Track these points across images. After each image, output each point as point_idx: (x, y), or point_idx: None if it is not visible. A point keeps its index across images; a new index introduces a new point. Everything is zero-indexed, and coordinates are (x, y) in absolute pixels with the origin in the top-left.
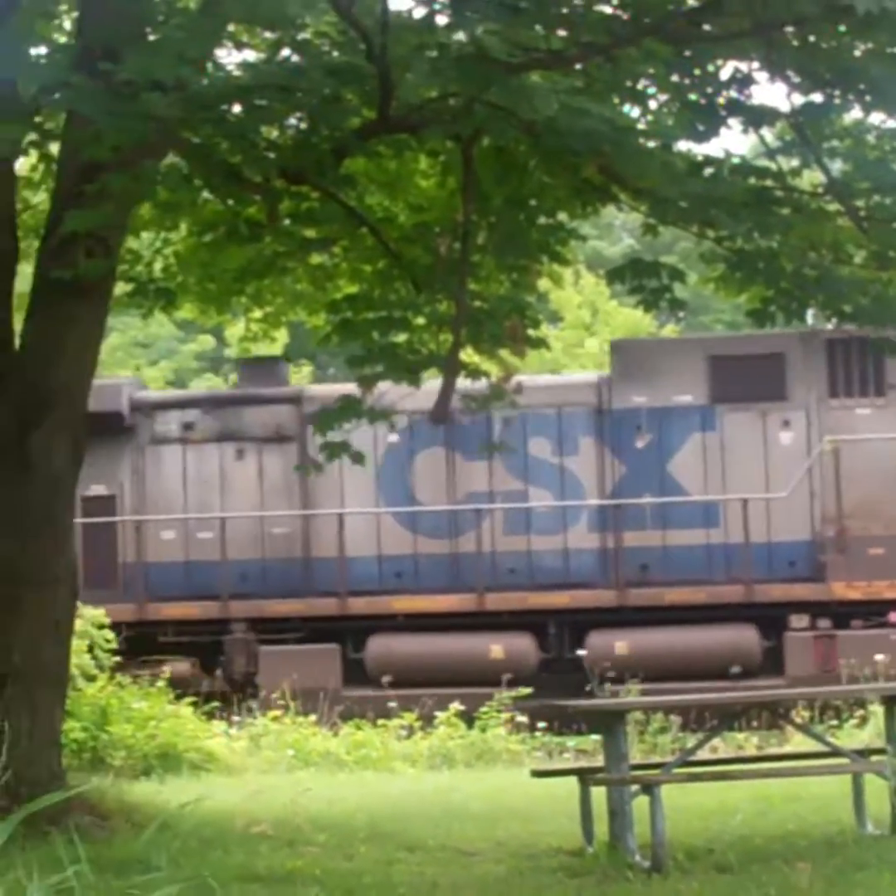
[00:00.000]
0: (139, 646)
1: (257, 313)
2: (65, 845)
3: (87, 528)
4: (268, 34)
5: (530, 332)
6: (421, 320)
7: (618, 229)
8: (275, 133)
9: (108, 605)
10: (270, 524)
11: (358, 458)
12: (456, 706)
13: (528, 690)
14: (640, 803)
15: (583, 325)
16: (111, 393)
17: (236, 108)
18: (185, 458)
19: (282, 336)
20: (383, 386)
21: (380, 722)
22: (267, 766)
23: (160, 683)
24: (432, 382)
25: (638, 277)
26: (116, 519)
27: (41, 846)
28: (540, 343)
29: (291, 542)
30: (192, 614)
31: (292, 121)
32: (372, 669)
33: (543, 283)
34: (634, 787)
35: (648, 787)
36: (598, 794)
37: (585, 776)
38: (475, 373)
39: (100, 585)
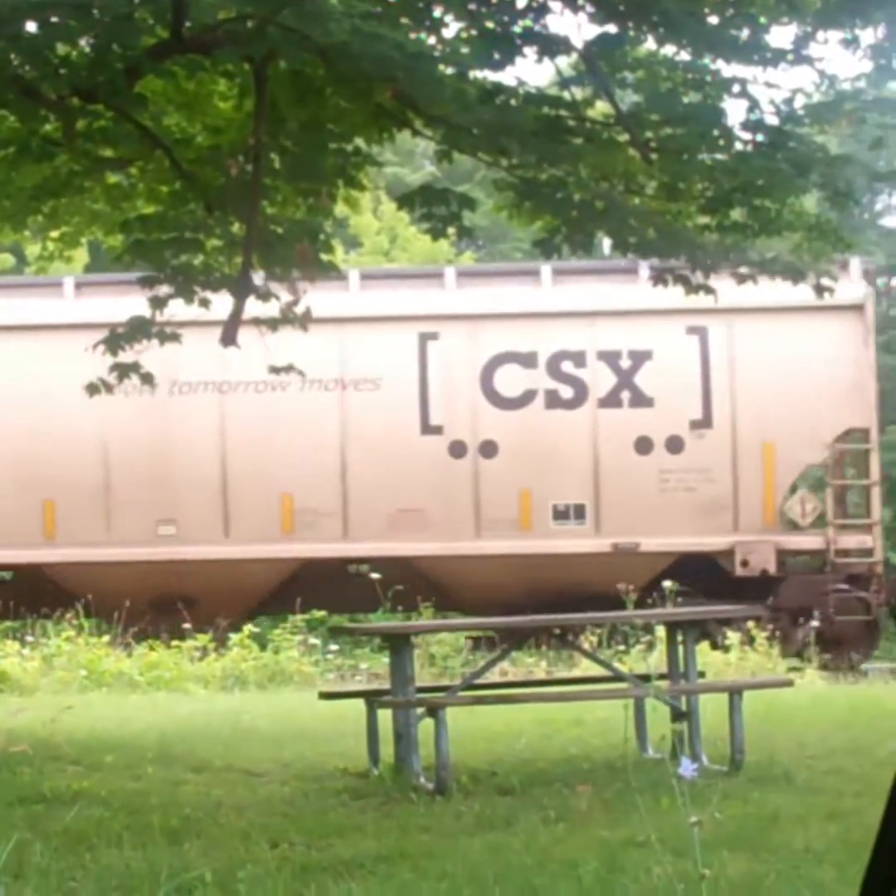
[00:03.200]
0: None
1: (55, 232)
2: None
3: None
4: None
5: (321, 255)
6: (215, 242)
7: (419, 156)
8: (69, 50)
9: None
10: None
11: (147, 379)
12: (250, 627)
13: (321, 612)
14: (427, 726)
15: (381, 251)
16: None
17: (31, 25)
18: None
19: (81, 256)
20: None
21: (173, 643)
22: (59, 686)
23: None
24: None
25: (427, 204)
26: None
27: None
28: (330, 267)
29: None
30: None
31: (86, 39)
32: None
33: (342, 209)
34: (420, 710)
35: (433, 710)
36: (386, 716)
37: (372, 699)
38: (265, 295)
39: None
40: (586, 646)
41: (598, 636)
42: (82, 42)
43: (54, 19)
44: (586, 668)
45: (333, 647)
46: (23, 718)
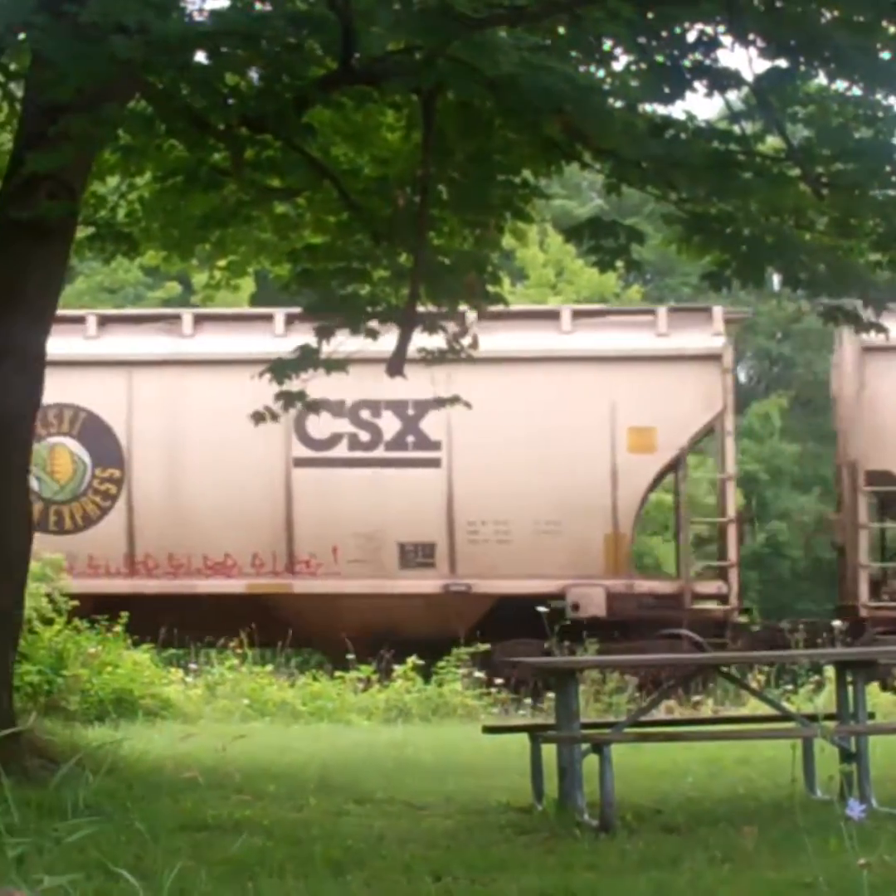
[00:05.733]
0: None
1: (222, 261)
2: (11, 789)
3: None
4: None
5: (489, 287)
6: (381, 272)
7: (587, 190)
8: (238, 80)
9: None
10: None
11: (313, 407)
12: (414, 659)
13: (485, 646)
14: (591, 762)
15: (548, 283)
16: None
17: (200, 55)
18: None
19: (248, 285)
20: None
21: (337, 673)
22: (222, 714)
23: (117, 628)
24: None
25: (596, 237)
26: None
27: None
28: (498, 298)
29: None
30: None
31: (255, 69)
32: None
33: (509, 241)
34: (584, 746)
35: (598, 746)
36: (550, 751)
37: (536, 733)
38: (432, 326)
39: None
40: (754, 684)
41: (765, 675)
42: (251, 72)
43: (223, 49)
44: (754, 707)
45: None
46: (188, 745)
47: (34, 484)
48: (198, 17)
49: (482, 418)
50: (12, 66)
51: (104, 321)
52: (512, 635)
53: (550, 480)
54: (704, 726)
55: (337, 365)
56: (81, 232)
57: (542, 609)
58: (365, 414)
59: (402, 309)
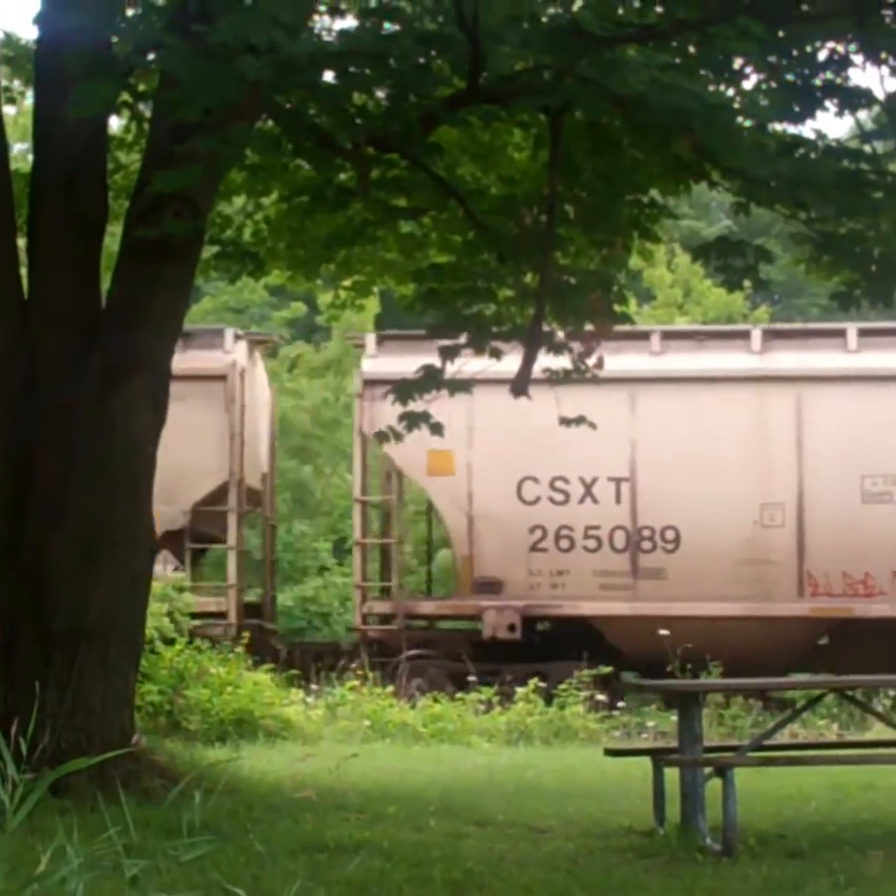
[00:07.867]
0: None
1: (347, 281)
2: (132, 808)
3: None
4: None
5: (615, 307)
6: (507, 292)
7: (715, 209)
8: (365, 99)
9: None
10: None
11: (437, 429)
12: (535, 682)
13: (608, 669)
14: (714, 786)
15: (675, 304)
16: None
17: (328, 75)
18: None
19: (372, 304)
20: None
21: (458, 695)
22: (343, 736)
23: (238, 649)
24: None
25: (723, 256)
26: None
27: (112, 807)
28: (624, 318)
29: None
30: None
31: (382, 88)
32: None
33: (636, 261)
34: (707, 770)
35: (721, 770)
36: (672, 775)
37: (658, 757)
38: (557, 346)
39: None
40: (880, 709)
41: (892, 699)
42: (378, 91)
43: (352, 69)
44: (880, 731)
45: (620, 703)
46: (307, 766)
47: None
48: (326, 38)
49: None
50: (141, 87)
51: None
52: None
53: None
54: (829, 751)
55: (460, 385)
56: (207, 251)
57: None
58: None
59: (528, 328)
